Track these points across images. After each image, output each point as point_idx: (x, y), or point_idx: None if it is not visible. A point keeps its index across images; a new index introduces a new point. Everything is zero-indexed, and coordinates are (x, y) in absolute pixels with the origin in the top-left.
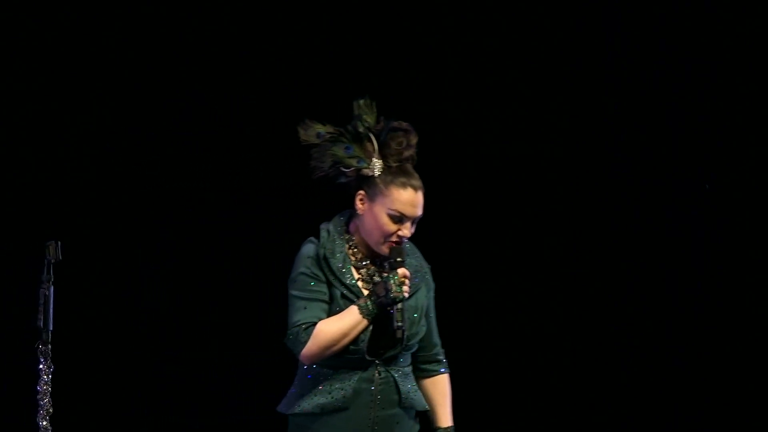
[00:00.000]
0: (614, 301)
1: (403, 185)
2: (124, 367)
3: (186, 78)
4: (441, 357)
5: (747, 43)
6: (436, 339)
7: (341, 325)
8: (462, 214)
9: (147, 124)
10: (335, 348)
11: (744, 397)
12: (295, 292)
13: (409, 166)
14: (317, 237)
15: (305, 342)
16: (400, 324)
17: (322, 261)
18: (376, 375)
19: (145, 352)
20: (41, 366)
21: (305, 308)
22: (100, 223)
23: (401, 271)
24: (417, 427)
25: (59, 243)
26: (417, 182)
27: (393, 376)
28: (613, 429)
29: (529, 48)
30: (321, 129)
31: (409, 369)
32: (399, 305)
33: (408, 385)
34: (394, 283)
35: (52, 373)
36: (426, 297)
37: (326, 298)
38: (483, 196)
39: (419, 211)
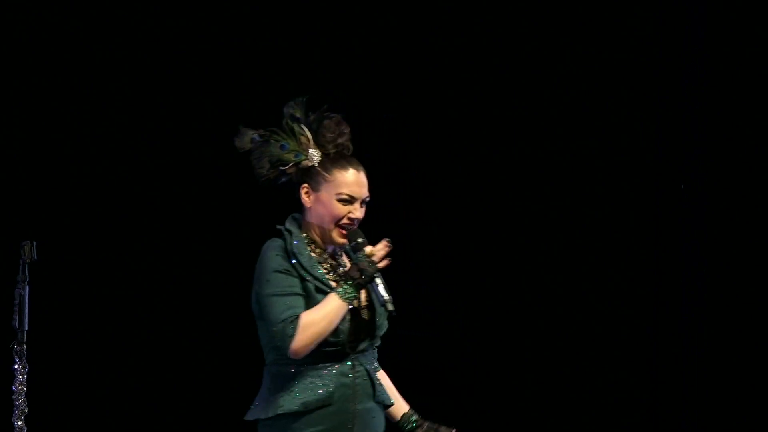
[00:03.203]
0: (614, 300)
1: (345, 167)
2: (99, 367)
3: (164, 78)
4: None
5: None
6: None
7: (324, 312)
8: (461, 214)
9: (123, 123)
10: (321, 337)
11: (744, 397)
12: (270, 291)
13: (346, 152)
14: (277, 237)
15: (293, 335)
16: (387, 297)
17: (291, 256)
18: (353, 368)
19: (120, 352)
20: (16, 366)
21: (285, 303)
22: (76, 223)
23: (368, 249)
24: (384, 423)
25: (34, 243)
26: (357, 164)
27: (366, 369)
28: (612, 429)
29: (529, 48)
30: (254, 134)
31: (377, 365)
32: (378, 280)
33: (378, 379)
34: (366, 261)
35: (28, 373)
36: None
37: (302, 291)
38: (484, 195)
39: (365, 191)
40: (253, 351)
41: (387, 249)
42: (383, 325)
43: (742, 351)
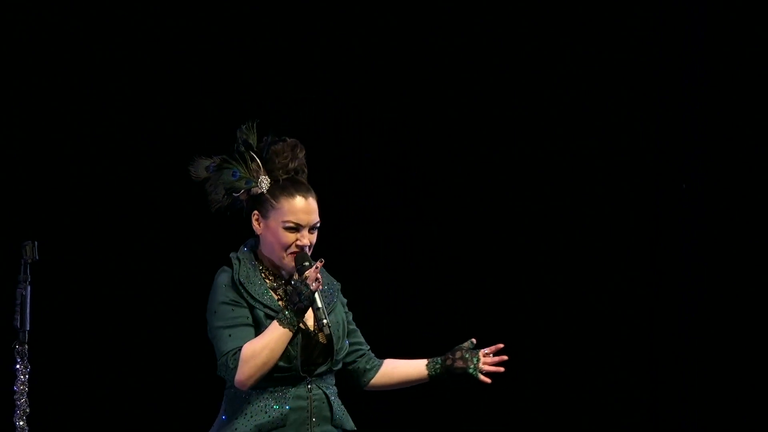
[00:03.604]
0: (614, 300)
1: (291, 195)
2: (101, 368)
3: (164, 77)
4: (373, 355)
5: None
6: (366, 344)
7: (266, 341)
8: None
9: (124, 123)
10: (266, 367)
11: (744, 397)
12: (217, 323)
13: (299, 178)
14: (229, 266)
15: (234, 368)
16: (324, 321)
17: (239, 286)
18: (309, 392)
19: (122, 352)
20: (18, 366)
21: (230, 336)
22: (77, 223)
23: (306, 272)
24: None
25: (36, 243)
26: (305, 190)
27: (324, 392)
28: (612, 429)
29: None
30: (208, 162)
31: (335, 389)
32: (318, 303)
33: (338, 403)
34: (303, 285)
35: (29, 374)
36: (343, 313)
37: (250, 321)
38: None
39: (314, 218)
40: None
41: (317, 270)
42: (343, 348)
43: (741, 351)
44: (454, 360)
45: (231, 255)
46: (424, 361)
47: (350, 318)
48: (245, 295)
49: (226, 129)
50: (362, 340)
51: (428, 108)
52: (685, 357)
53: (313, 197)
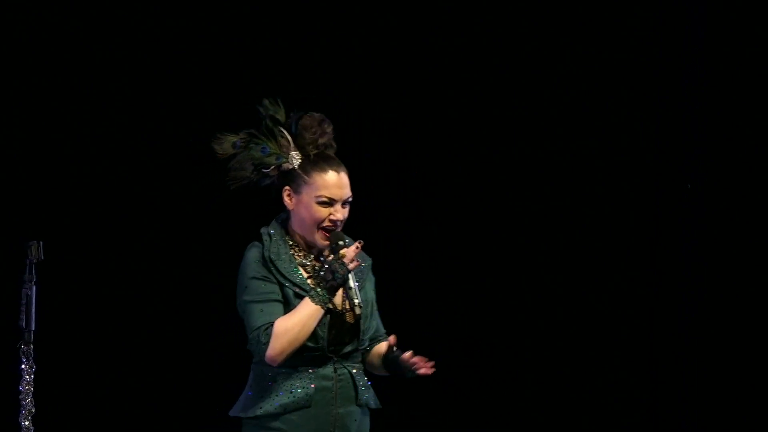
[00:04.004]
0: (614, 300)
1: (323, 169)
2: (106, 367)
3: (169, 77)
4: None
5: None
6: (383, 328)
7: (298, 317)
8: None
9: (129, 123)
10: (297, 342)
11: (744, 397)
12: (248, 298)
13: (329, 152)
14: (259, 241)
15: (267, 343)
16: (356, 301)
17: (269, 263)
18: (335, 371)
19: (127, 351)
20: (23, 366)
21: (261, 311)
22: (82, 223)
23: (342, 251)
24: (369, 425)
25: (41, 243)
26: (337, 164)
27: (350, 372)
28: (613, 429)
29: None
30: (234, 138)
31: (361, 366)
32: (351, 283)
33: (363, 382)
34: (338, 264)
35: (34, 373)
36: (371, 291)
37: (279, 297)
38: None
39: (346, 192)
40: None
41: (357, 250)
42: (369, 327)
43: (742, 351)
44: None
45: (261, 230)
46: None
47: (375, 297)
48: (274, 271)
49: (229, 129)
50: (378, 325)
51: (428, 108)
52: (685, 357)
53: (344, 172)
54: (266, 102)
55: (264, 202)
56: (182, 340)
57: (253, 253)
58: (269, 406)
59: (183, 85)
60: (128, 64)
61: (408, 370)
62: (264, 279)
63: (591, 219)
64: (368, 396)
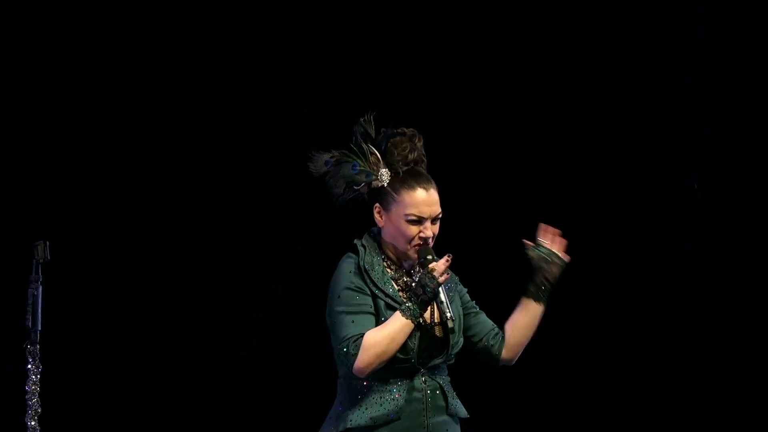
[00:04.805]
0: (615, 300)
1: (412, 187)
2: (112, 367)
3: (180, 78)
4: (498, 330)
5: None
6: (490, 323)
7: (388, 331)
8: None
9: (136, 123)
10: (386, 356)
11: (745, 397)
12: (340, 308)
13: (419, 168)
14: (354, 252)
15: (356, 354)
16: (448, 314)
17: (363, 273)
18: (423, 383)
19: (133, 352)
20: (29, 366)
21: (353, 322)
22: (89, 223)
23: (432, 265)
24: None
25: (47, 243)
26: (425, 181)
27: (439, 383)
28: (614, 429)
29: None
30: (327, 156)
31: (448, 378)
32: (441, 296)
33: (452, 393)
34: (428, 277)
35: (41, 373)
36: (460, 306)
37: (372, 309)
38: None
39: (435, 209)
40: (259, 350)
41: (447, 263)
42: (458, 342)
43: (744, 351)
44: (543, 275)
45: (355, 241)
46: (527, 301)
47: (473, 303)
48: (368, 282)
49: (235, 130)
50: (486, 320)
51: (428, 108)
52: (688, 357)
53: (434, 188)
54: (361, 120)
55: (270, 206)
56: (188, 341)
57: (347, 264)
58: (359, 419)
59: (187, 85)
60: (132, 65)
61: (556, 258)
62: (358, 290)
63: (593, 219)
64: (458, 406)
